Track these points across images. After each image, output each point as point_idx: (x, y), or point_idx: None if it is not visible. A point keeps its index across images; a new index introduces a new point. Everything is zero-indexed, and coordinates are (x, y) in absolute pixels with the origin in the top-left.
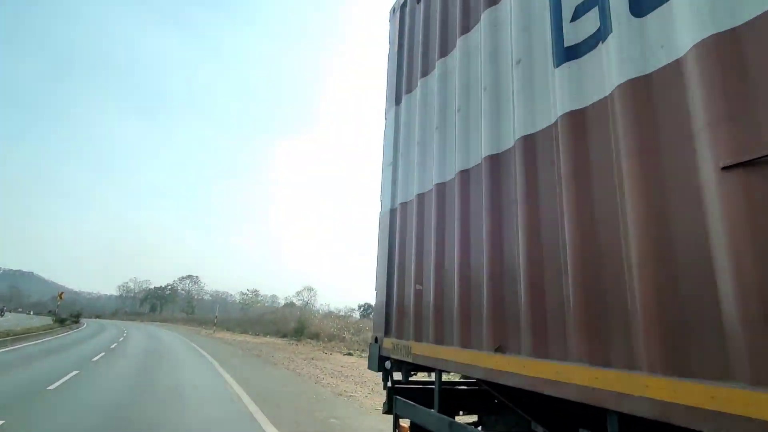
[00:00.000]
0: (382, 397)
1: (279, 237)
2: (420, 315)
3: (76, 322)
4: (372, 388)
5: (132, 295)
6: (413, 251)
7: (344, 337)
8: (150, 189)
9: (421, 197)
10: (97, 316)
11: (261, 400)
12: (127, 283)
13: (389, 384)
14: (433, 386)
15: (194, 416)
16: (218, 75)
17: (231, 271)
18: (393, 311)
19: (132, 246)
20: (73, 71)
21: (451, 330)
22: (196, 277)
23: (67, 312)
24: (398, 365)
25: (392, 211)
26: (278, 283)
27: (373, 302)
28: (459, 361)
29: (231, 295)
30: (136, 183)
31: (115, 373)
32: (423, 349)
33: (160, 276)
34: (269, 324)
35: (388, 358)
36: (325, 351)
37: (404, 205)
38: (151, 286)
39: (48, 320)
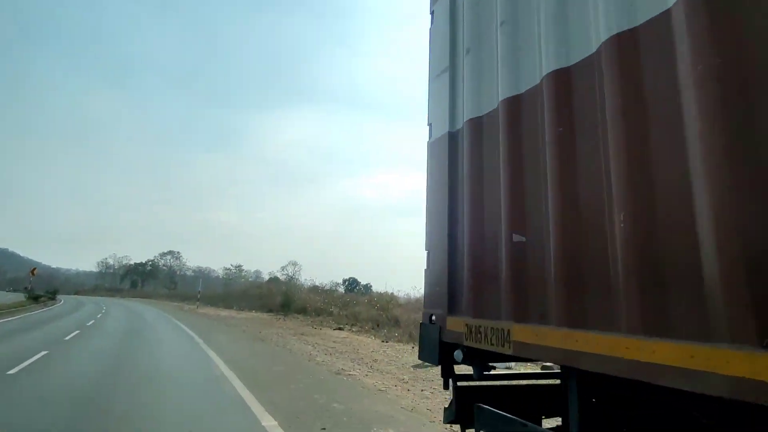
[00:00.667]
0: (383, 376)
1: (262, 213)
2: (523, 283)
3: (52, 298)
4: (371, 366)
5: (112, 271)
6: (504, 184)
7: (332, 312)
8: (126, 163)
9: (513, 101)
10: (76, 293)
11: (252, 383)
12: (106, 259)
13: (451, 382)
14: (509, 382)
15: (178, 405)
16: (195, 44)
17: (214, 246)
18: (463, 278)
19: (110, 222)
20: (34, 36)
21: (608, 305)
22: (178, 252)
23: (44, 288)
24: (471, 356)
25: (452, 135)
26: (262, 258)
27: (358, 278)
28: (651, 362)
29: (214, 270)
30: (112, 157)
31: (89, 354)
32: (538, 336)
33: (140, 252)
34: (254, 299)
35: (457, 346)
36: (314, 326)
37: (476, 121)
38: (131, 262)
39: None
